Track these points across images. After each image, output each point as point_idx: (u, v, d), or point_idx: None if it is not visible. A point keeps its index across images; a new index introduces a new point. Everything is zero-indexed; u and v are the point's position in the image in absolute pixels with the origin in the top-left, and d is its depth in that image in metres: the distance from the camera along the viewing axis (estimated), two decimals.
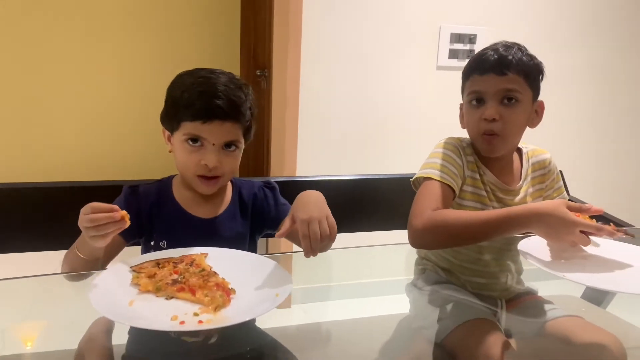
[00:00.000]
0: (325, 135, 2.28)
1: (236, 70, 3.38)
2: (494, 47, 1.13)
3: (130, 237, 1.04)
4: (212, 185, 1.03)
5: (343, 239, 1.36)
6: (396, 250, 1.31)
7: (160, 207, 1.05)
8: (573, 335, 1.03)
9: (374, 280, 1.49)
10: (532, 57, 1.13)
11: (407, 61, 2.30)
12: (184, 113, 0.99)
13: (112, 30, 3.45)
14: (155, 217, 1.04)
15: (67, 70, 3.43)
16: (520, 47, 1.13)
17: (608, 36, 2.58)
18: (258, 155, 3.04)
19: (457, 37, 2.31)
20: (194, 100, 0.98)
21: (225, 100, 0.98)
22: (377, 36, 2.24)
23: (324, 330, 1.28)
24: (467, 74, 1.15)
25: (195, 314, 0.72)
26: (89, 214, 0.80)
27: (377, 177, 1.57)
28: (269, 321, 1.11)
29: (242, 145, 1.06)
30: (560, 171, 1.64)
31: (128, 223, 0.81)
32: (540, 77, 1.15)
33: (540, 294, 1.20)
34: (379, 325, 1.24)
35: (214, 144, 0.99)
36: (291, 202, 1.42)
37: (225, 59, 3.53)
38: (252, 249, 1.12)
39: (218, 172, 1.01)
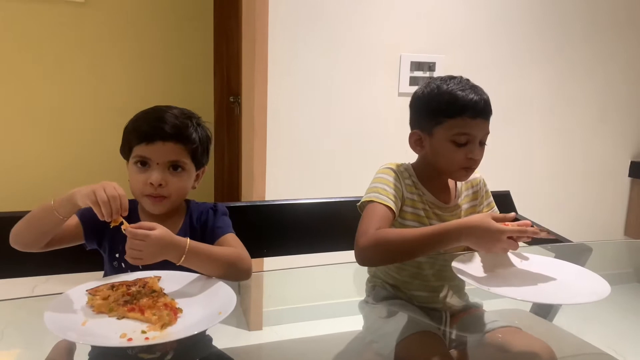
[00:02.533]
0: (293, 160, 2.36)
1: (210, 97, 3.46)
2: (471, 87, 1.19)
3: (92, 239, 1.11)
4: (158, 203, 1.10)
5: (310, 260, 1.43)
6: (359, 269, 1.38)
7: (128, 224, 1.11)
8: (509, 344, 1.11)
9: (342, 301, 1.55)
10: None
11: (370, 88, 2.40)
12: (133, 138, 1.10)
13: (85, 58, 3.49)
14: (121, 233, 1.07)
15: (32, 100, 3.44)
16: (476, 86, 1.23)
17: (562, 63, 2.72)
18: (232, 180, 3.11)
19: (417, 65, 2.43)
20: (141, 125, 1.10)
21: (168, 124, 1.08)
22: (342, 65, 2.35)
23: (279, 349, 1.34)
24: (455, 113, 1.17)
25: (143, 332, 0.78)
26: (116, 192, 0.91)
27: (342, 199, 1.64)
28: (240, 342, 1.17)
29: (190, 169, 1.13)
30: (508, 191, 1.75)
31: (123, 229, 0.92)
32: None
33: (489, 308, 1.28)
34: (334, 342, 1.30)
35: (158, 164, 1.08)
36: (252, 224, 1.49)
37: (200, 85, 3.62)
38: None
39: (164, 192, 1.09)
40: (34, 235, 1.01)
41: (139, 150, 1.09)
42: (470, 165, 1.21)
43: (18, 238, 1.03)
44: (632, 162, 2.99)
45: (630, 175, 3.00)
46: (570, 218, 2.89)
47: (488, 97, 1.21)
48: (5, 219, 1.28)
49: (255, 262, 2.36)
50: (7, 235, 1.26)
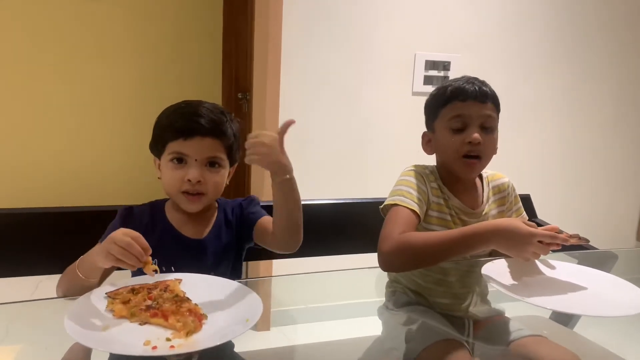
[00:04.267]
0: (304, 160, 2.32)
1: (218, 93, 3.43)
2: (466, 79, 1.19)
3: None
4: (196, 201, 1.06)
5: (322, 262, 1.40)
6: (372, 272, 1.35)
7: (153, 227, 1.08)
8: (536, 354, 1.07)
9: (349, 302, 1.51)
10: (493, 92, 1.21)
11: (384, 87, 2.36)
12: (168, 134, 1.05)
13: (94, 57, 3.46)
14: (149, 237, 1.02)
15: (47, 96, 3.40)
16: (484, 82, 1.21)
17: (576, 65, 2.68)
18: (239, 179, 3.07)
19: (431, 64, 2.39)
20: (176, 120, 1.05)
21: (206, 118, 1.04)
22: (355, 63, 2.31)
23: (299, 353, 1.31)
24: (445, 101, 1.19)
25: (168, 339, 0.74)
26: (130, 238, 0.84)
27: (355, 200, 1.60)
28: (248, 344, 1.13)
29: (226, 165, 1.10)
30: (528, 195, 1.71)
31: (152, 274, 0.86)
32: None
33: (509, 314, 1.24)
34: (352, 347, 1.27)
35: (196, 160, 1.04)
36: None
37: (207, 81, 3.58)
38: (239, 264, 1.16)
39: (202, 189, 1.05)
40: (80, 293, 0.94)
41: (176, 146, 1.04)
42: (470, 150, 1.15)
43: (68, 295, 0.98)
44: None
45: None
46: (582, 223, 2.85)
47: (488, 87, 1.18)
48: (11, 215, 1.25)
49: (264, 264, 2.32)
50: (13, 231, 1.24)
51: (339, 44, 2.27)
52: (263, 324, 2.30)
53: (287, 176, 0.98)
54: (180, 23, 3.63)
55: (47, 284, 2.47)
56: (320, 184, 2.35)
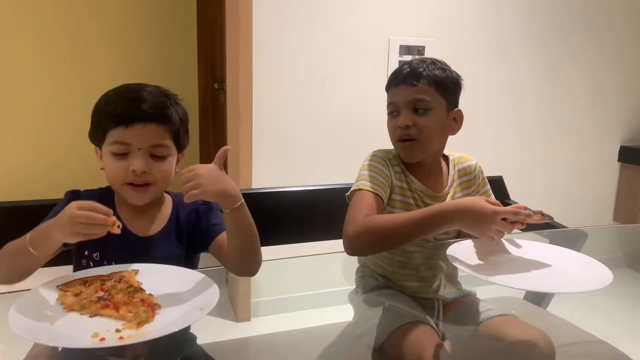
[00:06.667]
0: (280, 148, 2.30)
1: (194, 84, 3.38)
2: (409, 62, 1.20)
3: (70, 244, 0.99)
4: (142, 193, 0.99)
5: (297, 249, 1.38)
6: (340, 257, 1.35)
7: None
8: (505, 334, 1.07)
9: (323, 291, 1.50)
10: (446, 70, 1.18)
11: (359, 73, 2.34)
12: (107, 121, 0.97)
13: (67, 50, 3.40)
14: None
15: (16, 91, 3.34)
16: (435, 62, 1.19)
17: (552, 48, 2.68)
18: None
19: (406, 49, 2.37)
20: (116, 106, 0.97)
21: (147, 103, 0.96)
22: (328, 50, 2.28)
23: (272, 342, 1.30)
24: (387, 89, 1.23)
25: (117, 330, 0.72)
26: (86, 210, 0.80)
27: (330, 187, 1.60)
28: (224, 333, 1.12)
29: (174, 152, 1.03)
30: (501, 177, 1.71)
31: (117, 231, 0.83)
32: (457, 88, 1.20)
33: (481, 296, 1.24)
34: (324, 334, 1.26)
35: (139, 149, 0.96)
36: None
37: (183, 72, 3.53)
38: (191, 268, 1.08)
39: (148, 179, 0.98)
40: (15, 275, 0.90)
41: (117, 135, 0.96)
42: (402, 135, 1.16)
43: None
44: (621, 147, 2.98)
45: (619, 160, 2.99)
46: (560, 203, 2.88)
47: (427, 68, 1.16)
48: None
49: None
50: None
51: (311, 31, 2.24)
52: (243, 315, 2.28)
53: (237, 204, 0.92)
54: (154, 13, 3.56)
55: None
56: (295, 172, 2.33)
